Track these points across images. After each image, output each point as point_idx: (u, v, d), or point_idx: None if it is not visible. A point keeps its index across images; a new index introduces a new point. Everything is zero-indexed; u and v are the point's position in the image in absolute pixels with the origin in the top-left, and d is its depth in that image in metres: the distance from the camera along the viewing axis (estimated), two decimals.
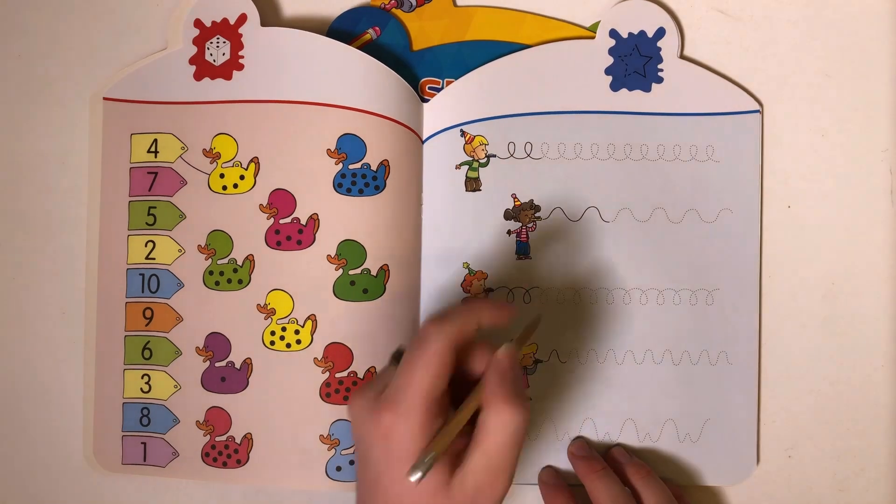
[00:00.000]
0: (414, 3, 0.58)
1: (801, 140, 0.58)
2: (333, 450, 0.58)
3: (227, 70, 0.58)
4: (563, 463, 0.58)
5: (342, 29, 0.58)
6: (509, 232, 0.58)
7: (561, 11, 0.58)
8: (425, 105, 0.58)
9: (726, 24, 0.58)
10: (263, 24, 0.58)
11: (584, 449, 0.57)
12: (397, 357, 0.51)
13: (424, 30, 0.58)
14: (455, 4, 0.58)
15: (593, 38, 0.58)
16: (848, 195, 0.58)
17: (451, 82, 0.58)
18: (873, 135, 0.58)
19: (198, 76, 0.58)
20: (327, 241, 0.57)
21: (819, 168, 0.58)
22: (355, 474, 0.52)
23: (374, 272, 0.57)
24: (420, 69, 0.58)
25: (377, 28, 0.58)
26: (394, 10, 0.58)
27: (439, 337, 0.46)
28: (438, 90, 0.58)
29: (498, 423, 0.45)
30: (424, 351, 0.46)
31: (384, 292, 0.57)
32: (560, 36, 0.58)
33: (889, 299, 0.58)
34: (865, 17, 0.57)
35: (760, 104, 0.57)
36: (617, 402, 0.58)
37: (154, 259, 0.58)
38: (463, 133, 0.58)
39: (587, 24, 0.58)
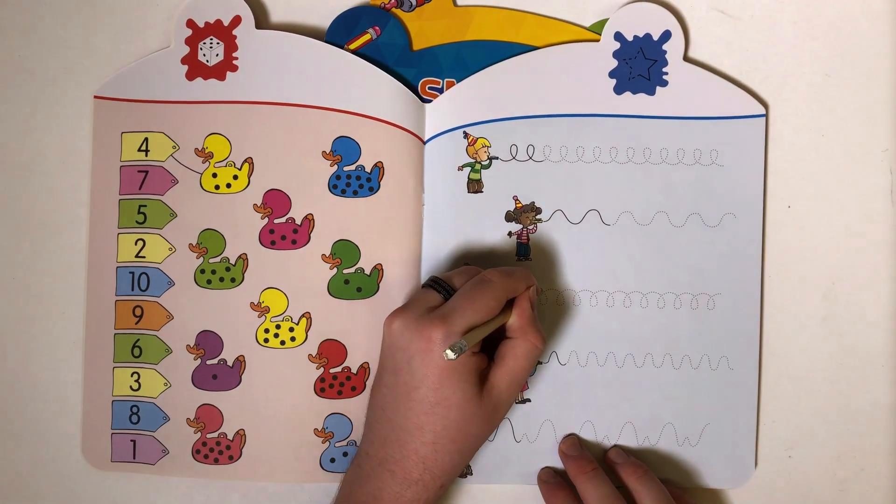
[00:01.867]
0: (414, 2, 0.58)
1: (802, 140, 0.58)
2: (328, 442, 0.58)
3: (220, 71, 0.58)
4: (561, 464, 0.58)
5: (342, 29, 0.58)
6: (510, 233, 0.58)
7: (561, 11, 0.58)
8: (427, 106, 0.58)
9: (726, 25, 0.58)
10: (263, 21, 0.59)
11: (574, 448, 0.57)
12: (433, 284, 0.54)
13: (424, 30, 0.58)
14: (455, 4, 0.58)
15: (594, 38, 0.58)
16: (848, 195, 0.58)
17: (451, 82, 0.58)
18: (873, 135, 0.58)
19: (190, 76, 0.58)
20: (322, 241, 0.58)
21: (819, 168, 0.58)
22: (378, 389, 0.54)
23: (367, 271, 0.58)
24: (420, 69, 0.58)
25: (377, 28, 0.58)
26: (394, 9, 0.58)
27: (502, 285, 0.53)
28: (438, 90, 0.58)
29: (525, 346, 0.53)
30: (486, 290, 0.52)
31: (378, 290, 0.58)
32: (560, 35, 0.58)
33: (889, 299, 0.58)
34: (865, 17, 0.58)
35: (766, 106, 0.58)
36: (617, 405, 0.58)
37: (144, 257, 0.58)
38: (466, 135, 0.58)
39: (587, 24, 0.58)
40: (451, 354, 0.48)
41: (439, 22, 0.58)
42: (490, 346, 0.54)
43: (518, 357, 0.53)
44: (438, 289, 0.53)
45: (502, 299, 0.52)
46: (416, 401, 0.51)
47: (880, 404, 0.58)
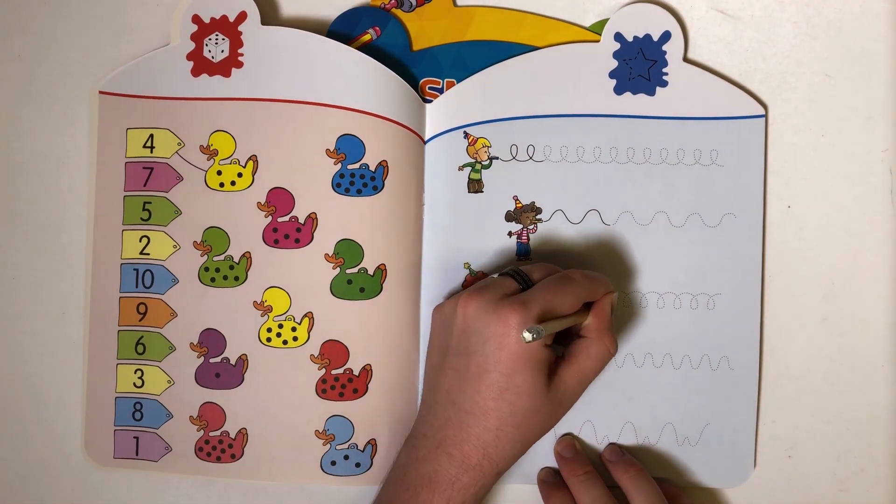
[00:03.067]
0: (414, 3, 0.58)
1: (802, 140, 0.58)
2: (328, 445, 0.58)
3: (225, 67, 0.58)
4: None
5: (342, 29, 0.58)
6: (510, 233, 0.58)
7: (561, 11, 0.58)
8: (428, 106, 0.58)
9: (726, 25, 0.58)
10: (269, 17, 0.59)
11: (569, 449, 0.57)
12: (513, 274, 0.54)
13: (424, 30, 0.58)
14: (455, 4, 0.58)
15: (594, 39, 0.58)
16: (848, 195, 0.58)
17: (452, 83, 0.58)
18: (873, 135, 0.58)
19: (195, 72, 0.58)
20: (325, 240, 0.58)
21: (819, 168, 0.58)
22: (441, 371, 0.53)
23: (370, 271, 0.57)
24: (420, 69, 0.58)
25: (377, 28, 0.58)
26: (394, 10, 0.58)
27: (583, 286, 0.53)
28: (438, 90, 0.58)
29: (600, 349, 0.53)
30: (569, 287, 0.52)
31: (381, 291, 0.58)
32: (560, 35, 0.58)
33: (889, 299, 0.58)
34: (865, 17, 0.58)
35: (765, 107, 0.58)
36: (616, 405, 0.58)
37: (148, 254, 0.58)
38: (466, 135, 0.58)
39: (587, 25, 0.58)
40: (528, 336, 0.48)
41: (439, 22, 0.58)
42: (559, 346, 0.54)
43: (591, 357, 0.53)
44: (518, 279, 0.53)
45: (582, 298, 0.53)
46: (485, 384, 0.51)
47: (880, 404, 0.58)
